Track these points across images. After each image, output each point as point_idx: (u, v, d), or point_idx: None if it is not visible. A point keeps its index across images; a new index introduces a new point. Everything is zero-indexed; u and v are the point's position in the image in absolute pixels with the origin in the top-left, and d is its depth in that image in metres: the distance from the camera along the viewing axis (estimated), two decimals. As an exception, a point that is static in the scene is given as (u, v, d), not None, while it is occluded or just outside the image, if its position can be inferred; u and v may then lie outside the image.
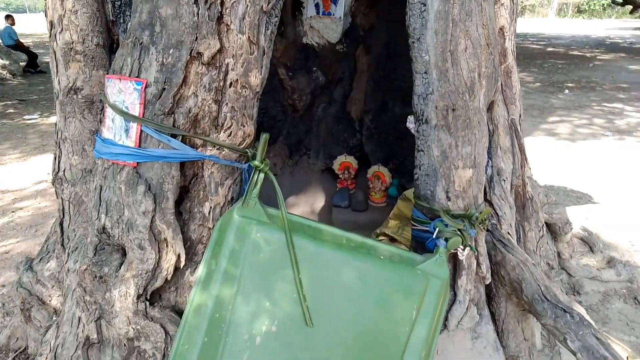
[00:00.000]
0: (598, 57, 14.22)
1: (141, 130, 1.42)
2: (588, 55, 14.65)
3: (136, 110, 1.41)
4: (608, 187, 4.43)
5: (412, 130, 2.36)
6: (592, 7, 31.43)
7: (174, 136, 1.42)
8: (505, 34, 2.07)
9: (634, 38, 20.18)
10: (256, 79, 1.46)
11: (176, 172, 1.44)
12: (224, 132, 1.46)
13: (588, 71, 11.60)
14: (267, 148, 3.35)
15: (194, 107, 1.42)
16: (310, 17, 2.81)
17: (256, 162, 1.46)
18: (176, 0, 1.35)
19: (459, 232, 1.56)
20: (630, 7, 17.13)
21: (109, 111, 1.48)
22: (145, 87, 1.40)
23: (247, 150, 1.51)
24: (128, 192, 1.44)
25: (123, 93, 1.43)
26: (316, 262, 1.38)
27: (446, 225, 1.56)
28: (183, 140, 1.44)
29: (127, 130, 1.43)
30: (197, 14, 1.35)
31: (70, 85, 1.77)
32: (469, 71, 1.63)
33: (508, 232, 2.02)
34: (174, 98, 1.39)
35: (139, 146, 1.43)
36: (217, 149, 1.47)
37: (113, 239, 1.47)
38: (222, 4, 1.36)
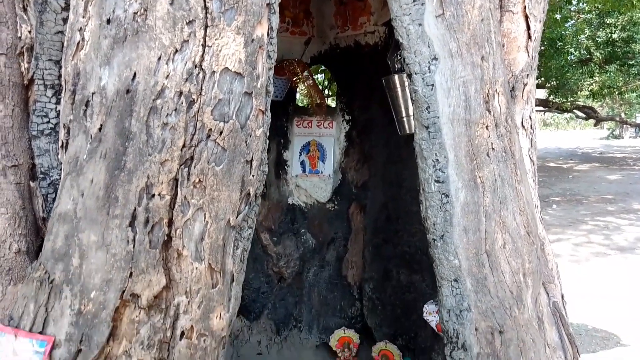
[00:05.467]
0: (574, 168, 14.57)
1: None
2: (564, 166, 15.02)
3: (33, 388, 0.91)
4: (632, 318, 3.90)
5: (432, 325, 1.88)
6: (556, 121, 33.82)
7: None
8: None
9: (602, 147, 21.14)
10: (221, 320, 1.00)
11: None
12: (172, 410, 0.96)
13: (570, 183, 11.70)
14: (250, 324, 2.85)
15: (124, 374, 0.93)
16: (296, 175, 2.50)
17: None
18: (103, 222, 0.94)
19: None
20: (592, 120, 18.31)
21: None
22: (52, 348, 0.92)
23: None
24: None
25: (17, 358, 0.94)
26: None
27: None
28: None
29: (16, 421, 0.92)
30: (134, 239, 0.93)
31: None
32: (512, 274, 1.21)
33: None
34: (93, 365, 0.91)
35: None
36: None
37: None
38: (170, 223, 0.96)
